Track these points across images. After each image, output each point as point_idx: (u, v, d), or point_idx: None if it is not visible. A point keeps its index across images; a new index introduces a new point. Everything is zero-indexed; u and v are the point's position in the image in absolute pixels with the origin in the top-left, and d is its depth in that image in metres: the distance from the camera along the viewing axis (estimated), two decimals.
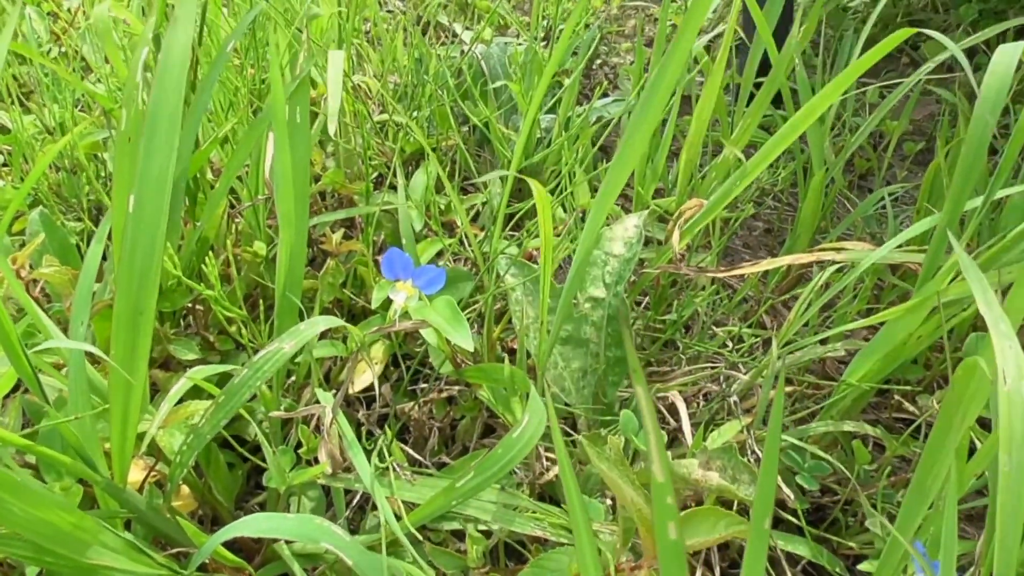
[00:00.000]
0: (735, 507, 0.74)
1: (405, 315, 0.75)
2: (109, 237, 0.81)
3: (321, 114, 1.01)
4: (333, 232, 0.94)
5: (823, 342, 0.96)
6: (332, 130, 0.75)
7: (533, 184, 0.66)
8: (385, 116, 1.16)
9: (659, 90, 0.65)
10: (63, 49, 1.45)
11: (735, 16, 0.95)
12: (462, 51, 1.37)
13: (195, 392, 0.77)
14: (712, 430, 0.86)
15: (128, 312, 0.58)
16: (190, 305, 0.97)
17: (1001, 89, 0.75)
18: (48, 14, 1.56)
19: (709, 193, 0.93)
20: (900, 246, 0.84)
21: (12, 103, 1.12)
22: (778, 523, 0.84)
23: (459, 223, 1.06)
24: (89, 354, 0.66)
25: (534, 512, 0.70)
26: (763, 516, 0.49)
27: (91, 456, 0.62)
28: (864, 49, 1.26)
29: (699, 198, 0.88)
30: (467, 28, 1.65)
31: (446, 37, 1.71)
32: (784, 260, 0.82)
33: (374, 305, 0.87)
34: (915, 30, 0.66)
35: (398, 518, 0.68)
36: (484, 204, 1.21)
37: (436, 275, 0.67)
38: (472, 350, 0.67)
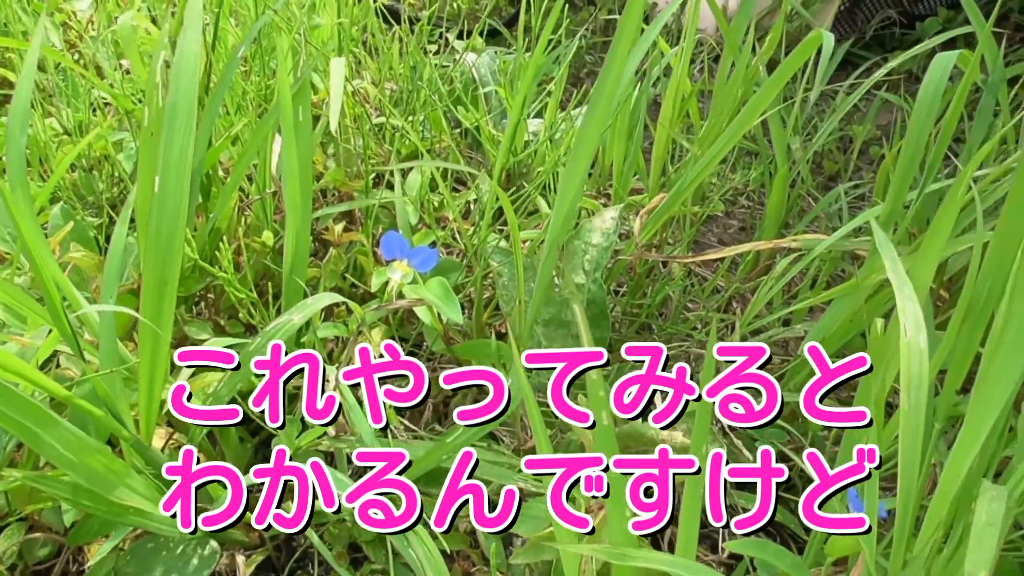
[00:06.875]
0: None
1: (401, 295, 0.84)
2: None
3: (324, 116, 1.09)
4: (335, 225, 1.02)
5: (786, 324, 1.05)
6: (333, 127, 0.83)
7: (499, 193, 0.74)
8: (383, 120, 1.24)
9: (607, 85, 0.73)
10: (77, 56, 1.53)
11: (693, 21, 1.04)
12: (455, 59, 1.46)
13: (208, 368, 0.85)
14: None
15: (155, 281, 0.66)
16: (202, 292, 1.05)
17: (936, 92, 0.84)
18: (61, 24, 1.64)
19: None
20: (853, 235, 0.93)
21: (33, 107, 1.21)
22: (744, 486, 0.92)
23: (451, 218, 1.14)
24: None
25: (517, 468, 0.77)
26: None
27: (121, 415, 0.70)
28: (839, 60, 1.34)
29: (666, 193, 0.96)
30: (459, 39, 1.73)
31: (440, 46, 1.80)
32: (744, 247, 0.90)
33: (373, 288, 0.95)
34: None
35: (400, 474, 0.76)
36: (474, 201, 1.30)
37: (429, 255, 0.75)
38: (461, 322, 0.75)
